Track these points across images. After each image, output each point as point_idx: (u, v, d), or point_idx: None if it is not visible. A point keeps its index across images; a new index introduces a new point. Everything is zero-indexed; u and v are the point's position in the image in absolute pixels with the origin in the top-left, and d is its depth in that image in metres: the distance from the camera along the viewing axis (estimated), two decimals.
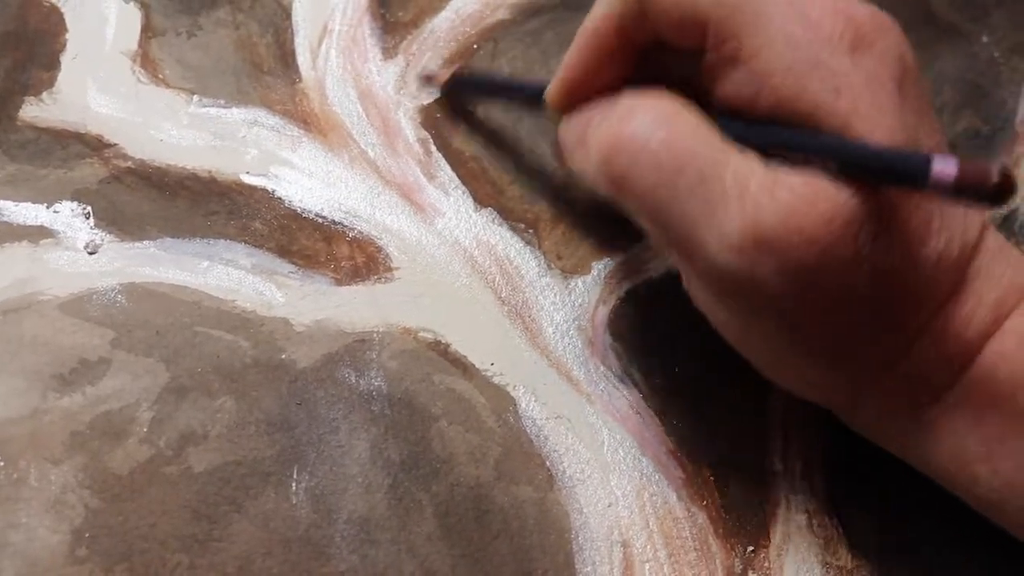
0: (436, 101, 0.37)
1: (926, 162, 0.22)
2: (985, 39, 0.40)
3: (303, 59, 0.37)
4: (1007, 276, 0.27)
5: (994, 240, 0.28)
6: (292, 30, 0.37)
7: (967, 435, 0.27)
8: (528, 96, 0.32)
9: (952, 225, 0.26)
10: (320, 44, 0.37)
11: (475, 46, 0.38)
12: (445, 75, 0.37)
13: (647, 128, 0.26)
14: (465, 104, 0.37)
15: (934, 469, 0.29)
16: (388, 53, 0.38)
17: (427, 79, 0.37)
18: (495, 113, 0.37)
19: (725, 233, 0.24)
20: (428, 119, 0.37)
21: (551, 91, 0.31)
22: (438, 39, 0.38)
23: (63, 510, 0.29)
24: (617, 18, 0.28)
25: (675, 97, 0.27)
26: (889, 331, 0.27)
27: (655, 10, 0.27)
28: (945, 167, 0.22)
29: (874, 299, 0.26)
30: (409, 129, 0.36)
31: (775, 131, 0.26)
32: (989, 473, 0.27)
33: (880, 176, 0.24)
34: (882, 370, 0.28)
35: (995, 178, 0.21)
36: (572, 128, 0.30)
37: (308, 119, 0.36)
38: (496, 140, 0.37)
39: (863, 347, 0.27)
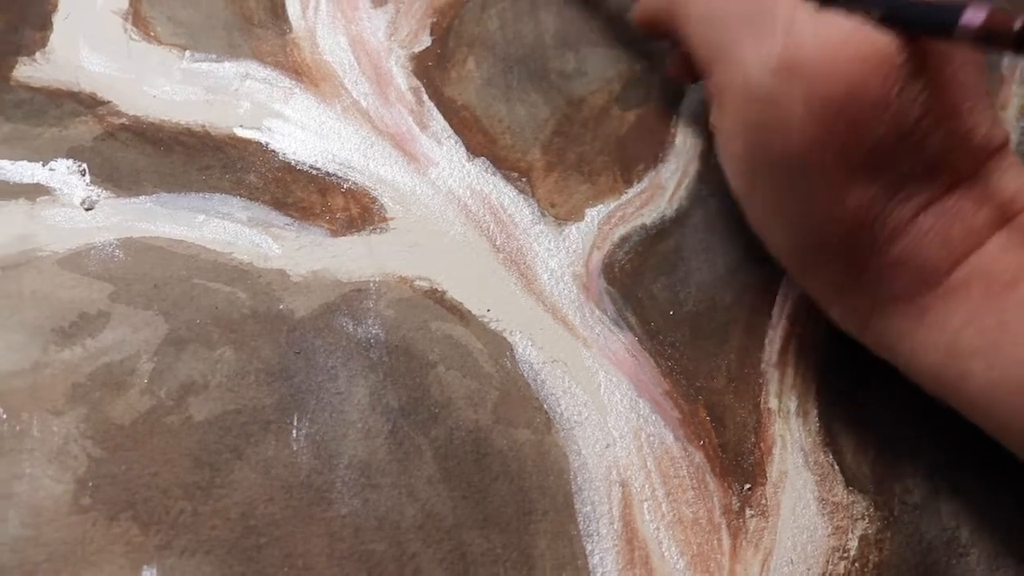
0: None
1: (958, 10, 0.24)
2: None
3: (293, 9, 0.37)
4: (1019, 185, 0.28)
5: (1014, 161, 0.28)
6: None
7: (963, 327, 0.27)
8: None
9: (981, 114, 0.27)
10: None
11: None
12: None
13: None
14: None
15: (925, 366, 0.29)
16: (378, 0, 0.37)
17: None
18: None
19: (766, 55, 0.27)
20: (420, 67, 0.37)
21: None
22: None
23: (66, 460, 0.29)
24: None
25: None
26: (895, 197, 0.27)
27: None
28: (975, 15, 0.23)
29: (887, 155, 0.27)
30: (401, 78, 0.36)
31: None
32: (984, 367, 0.27)
33: (916, 24, 0.25)
34: (883, 245, 0.28)
35: (1018, 25, 0.23)
36: None
37: (300, 69, 0.36)
38: None
39: (867, 213, 0.28)
